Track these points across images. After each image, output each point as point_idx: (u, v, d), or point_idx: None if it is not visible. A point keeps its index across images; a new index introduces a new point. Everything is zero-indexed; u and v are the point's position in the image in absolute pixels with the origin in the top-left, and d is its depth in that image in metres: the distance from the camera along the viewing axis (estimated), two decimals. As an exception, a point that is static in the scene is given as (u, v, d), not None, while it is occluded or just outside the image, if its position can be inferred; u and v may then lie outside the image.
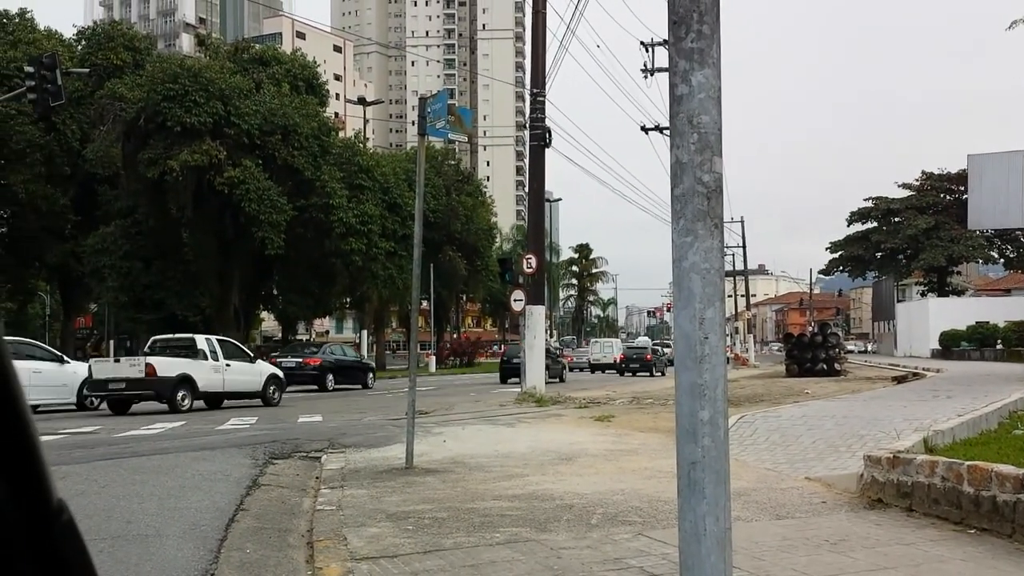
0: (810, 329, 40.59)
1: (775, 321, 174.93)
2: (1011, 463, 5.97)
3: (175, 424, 16.29)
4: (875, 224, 76.14)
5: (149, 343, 22.71)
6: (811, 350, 32.10)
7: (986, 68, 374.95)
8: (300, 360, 30.49)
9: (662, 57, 32.69)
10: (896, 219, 74.30)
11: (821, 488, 7.65)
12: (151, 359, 20.10)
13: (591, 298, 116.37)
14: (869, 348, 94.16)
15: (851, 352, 64.27)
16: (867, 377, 28.99)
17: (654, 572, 4.84)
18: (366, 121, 58.53)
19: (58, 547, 0.86)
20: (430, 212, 51.63)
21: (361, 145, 50.58)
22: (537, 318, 21.21)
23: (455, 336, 74.74)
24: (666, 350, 55.56)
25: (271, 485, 8.50)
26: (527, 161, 23.53)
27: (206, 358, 20.97)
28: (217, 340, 22.45)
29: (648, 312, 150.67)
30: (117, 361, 21.37)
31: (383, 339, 59.64)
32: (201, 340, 21.74)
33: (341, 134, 53.32)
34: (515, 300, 21.21)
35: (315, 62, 51.39)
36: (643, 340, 69.76)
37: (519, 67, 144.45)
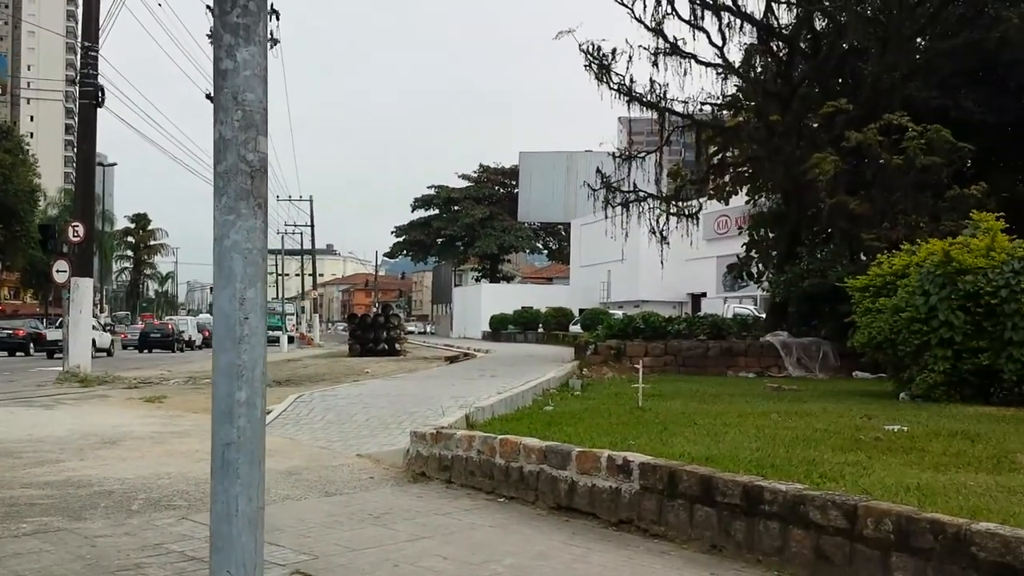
0: (374, 310, 41.81)
1: (342, 301, 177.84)
2: (538, 437, 6.60)
3: None
4: (437, 211, 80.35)
5: None
6: (374, 330, 33.12)
7: (543, 71, 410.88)
8: None
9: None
10: (456, 208, 79.06)
11: (371, 464, 7.91)
12: None
13: (148, 271, 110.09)
14: (428, 329, 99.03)
15: (412, 333, 67.33)
16: (424, 357, 30.53)
17: (195, 556, 4.70)
18: None
19: None
20: (-42, 167, 45.72)
21: None
22: (84, 291, 19.66)
23: None
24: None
25: None
26: (76, 120, 21.66)
27: None
28: None
29: (212, 288, 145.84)
30: None
31: None
32: None
33: None
34: (58, 271, 19.46)
35: None
36: (204, 318, 67.41)
37: (71, 16, 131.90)
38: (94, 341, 26.55)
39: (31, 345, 38.67)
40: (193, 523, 5.53)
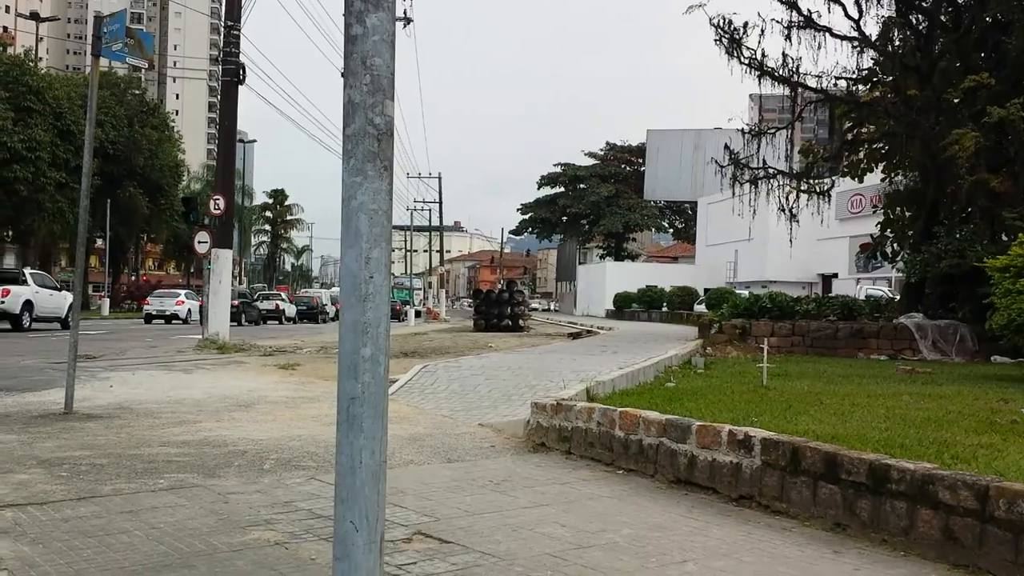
0: (499, 286, 42.21)
1: (468, 277, 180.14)
2: (658, 410, 6.57)
3: None
4: (563, 189, 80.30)
5: None
6: (498, 306, 33.46)
7: (670, 49, 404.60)
8: None
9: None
10: (582, 185, 78.84)
11: (492, 434, 8.03)
12: None
13: (285, 245, 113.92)
14: (552, 306, 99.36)
15: (535, 310, 67.76)
16: (547, 333, 30.67)
17: (322, 513, 4.88)
18: (39, 39, 53.26)
19: None
20: (109, 143, 48.15)
21: (32, 64, 45.99)
22: (224, 262, 20.49)
23: (134, 278, 70.46)
24: None
25: (-96, 431, 7.64)
26: (218, 98, 22.52)
27: None
28: None
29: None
30: None
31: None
32: None
33: (10, 51, 48.18)
34: (199, 242, 20.32)
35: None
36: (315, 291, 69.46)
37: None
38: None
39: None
40: (321, 483, 5.73)
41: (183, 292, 44.76)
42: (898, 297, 22.41)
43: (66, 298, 30.72)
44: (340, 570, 2.48)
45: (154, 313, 40.59)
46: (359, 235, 2.44)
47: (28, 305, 28.60)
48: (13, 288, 27.96)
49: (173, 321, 39.69)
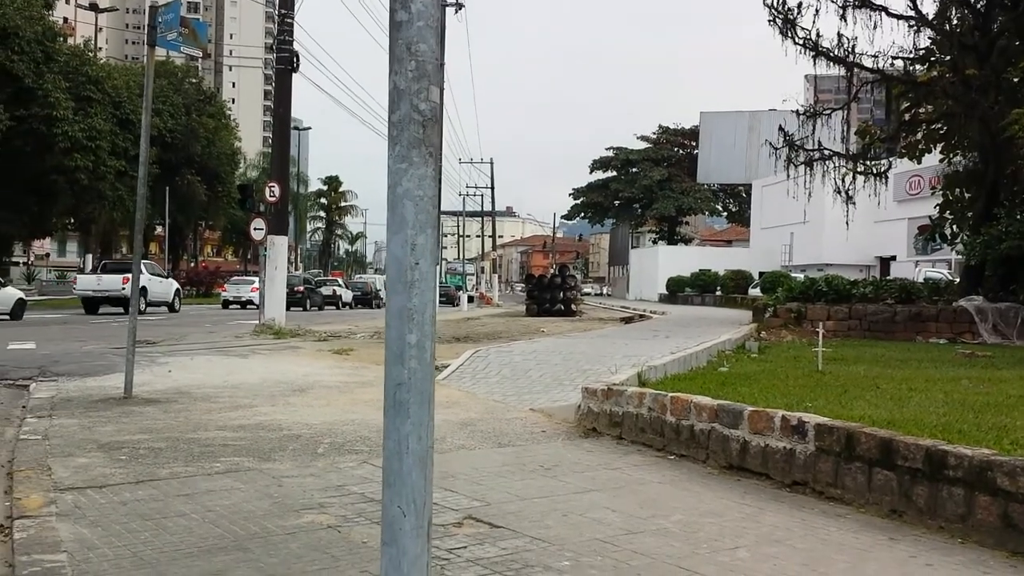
0: (551, 271, 42.16)
1: (520, 262, 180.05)
2: (710, 396, 6.52)
3: None
4: (615, 173, 79.78)
5: None
6: (550, 291, 33.41)
7: (724, 32, 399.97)
8: None
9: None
10: (634, 169, 78.24)
11: (543, 418, 8.03)
12: None
13: (339, 231, 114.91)
14: (605, 291, 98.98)
15: (588, 294, 67.61)
16: (599, 318, 30.57)
17: (374, 497, 4.92)
18: (98, 29, 54.22)
19: None
20: (167, 132, 48.89)
21: (91, 54, 46.83)
22: (279, 248, 20.73)
23: (192, 265, 71.62)
24: None
25: (-30, 415, 7.87)
26: (274, 85, 22.74)
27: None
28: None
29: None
30: None
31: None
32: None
33: (70, 41, 49.11)
34: (255, 229, 20.58)
35: (41, -41, 46.82)
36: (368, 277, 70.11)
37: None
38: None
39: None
40: (373, 467, 5.78)
41: (257, 279, 45.75)
42: (958, 280, 21.94)
43: (172, 285, 35.63)
44: (388, 555, 2.50)
45: (231, 299, 41.96)
46: (404, 221, 2.45)
47: (144, 291, 31.00)
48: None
49: (248, 307, 40.46)
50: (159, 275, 35.26)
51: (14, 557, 3.89)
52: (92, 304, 32.30)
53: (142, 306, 30.61)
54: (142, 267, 32.09)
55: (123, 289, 30.50)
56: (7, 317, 26.32)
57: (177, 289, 36.96)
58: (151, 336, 17.71)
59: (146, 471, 5.59)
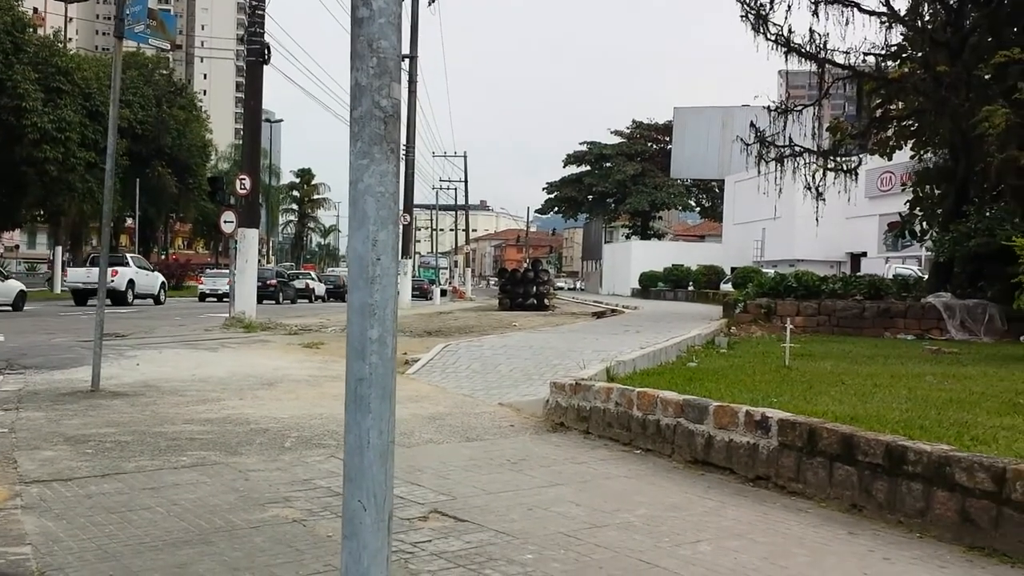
0: (524, 266, 42.18)
1: (493, 256, 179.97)
2: (677, 391, 6.57)
3: None
4: (588, 168, 79.94)
5: None
6: (523, 285, 33.42)
7: (696, 26, 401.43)
8: None
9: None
10: (607, 164, 78.44)
11: (511, 413, 8.06)
12: None
13: (312, 225, 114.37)
14: (578, 285, 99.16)
15: (561, 289, 67.69)
16: (572, 312, 30.66)
17: (340, 491, 4.92)
18: (68, 20, 53.60)
19: None
20: (137, 123, 48.50)
21: (61, 45, 46.32)
22: (250, 241, 20.60)
23: (163, 257, 71.04)
24: None
25: (-66, 408, 7.79)
26: (245, 77, 22.59)
27: None
28: None
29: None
30: None
31: (80, 256, 55.45)
32: None
33: (39, 32, 48.51)
34: (225, 222, 20.44)
35: (10, -53, 46.17)
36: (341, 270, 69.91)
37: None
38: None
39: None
40: (340, 461, 5.77)
41: None
42: (927, 276, 22.20)
43: (158, 278, 36.88)
44: (348, 548, 2.51)
45: (207, 292, 41.93)
46: (366, 217, 2.45)
47: (131, 284, 33.63)
48: (121, 269, 32.53)
49: (224, 299, 40.24)
50: (145, 268, 36.43)
51: (-24, 551, 3.86)
52: (82, 296, 32.75)
53: (129, 298, 33.13)
54: (129, 260, 33.59)
55: (111, 281, 30.75)
56: (9, 308, 27.46)
57: (163, 282, 37.72)
58: (120, 329, 17.58)
59: (112, 464, 5.56)
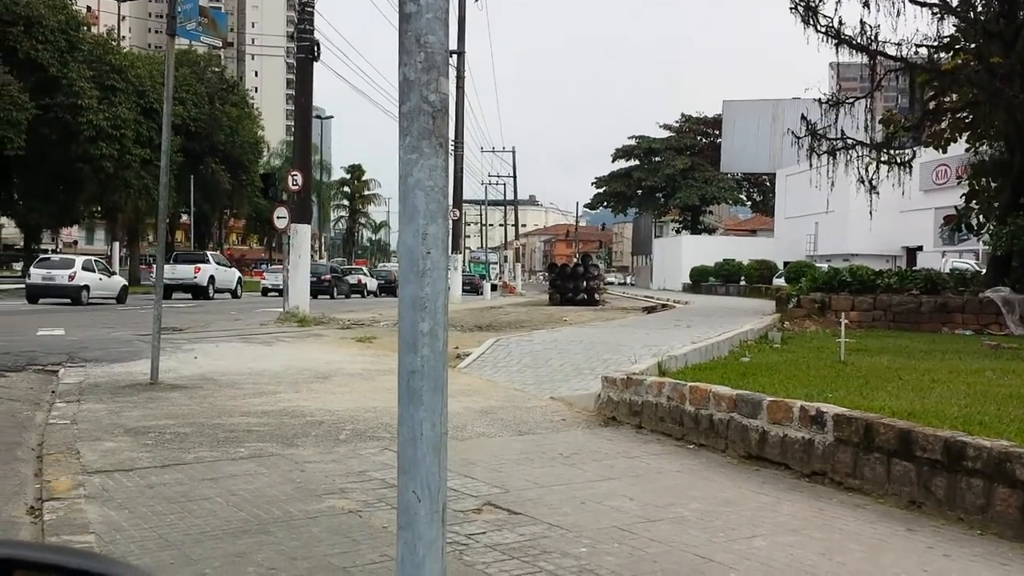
0: (574, 260, 42.09)
1: (543, 252, 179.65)
2: (730, 386, 6.52)
3: None
4: (637, 162, 79.38)
5: None
6: (573, 280, 33.36)
7: (746, 18, 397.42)
8: None
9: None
10: (656, 158, 77.78)
11: (563, 407, 8.06)
12: None
13: (363, 220, 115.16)
14: (628, 280, 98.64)
15: (611, 284, 67.42)
16: (622, 307, 30.52)
17: (395, 483, 4.95)
18: (122, 18, 54.55)
19: None
20: (191, 121, 49.17)
21: (115, 43, 47.17)
22: (302, 237, 20.81)
23: (218, 253, 72.06)
24: None
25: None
26: (295, 74, 22.81)
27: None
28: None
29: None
30: None
31: (137, 252, 56.41)
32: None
33: (93, 30, 49.43)
34: (278, 217, 20.66)
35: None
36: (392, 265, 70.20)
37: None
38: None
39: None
40: (394, 453, 5.81)
41: None
42: (984, 270, 21.73)
43: (235, 274, 39.48)
44: (404, 539, 2.53)
45: (270, 287, 42.45)
46: (416, 211, 2.47)
47: (212, 279, 35.97)
48: (203, 266, 35.71)
49: None
50: (223, 264, 39.24)
51: (44, 538, 3.96)
52: (166, 291, 33.68)
53: (211, 292, 35.70)
54: (209, 257, 36.49)
55: (195, 277, 34.74)
56: (114, 301, 29.50)
57: (239, 277, 39.93)
58: (177, 323, 17.88)
59: (172, 455, 5.67)
